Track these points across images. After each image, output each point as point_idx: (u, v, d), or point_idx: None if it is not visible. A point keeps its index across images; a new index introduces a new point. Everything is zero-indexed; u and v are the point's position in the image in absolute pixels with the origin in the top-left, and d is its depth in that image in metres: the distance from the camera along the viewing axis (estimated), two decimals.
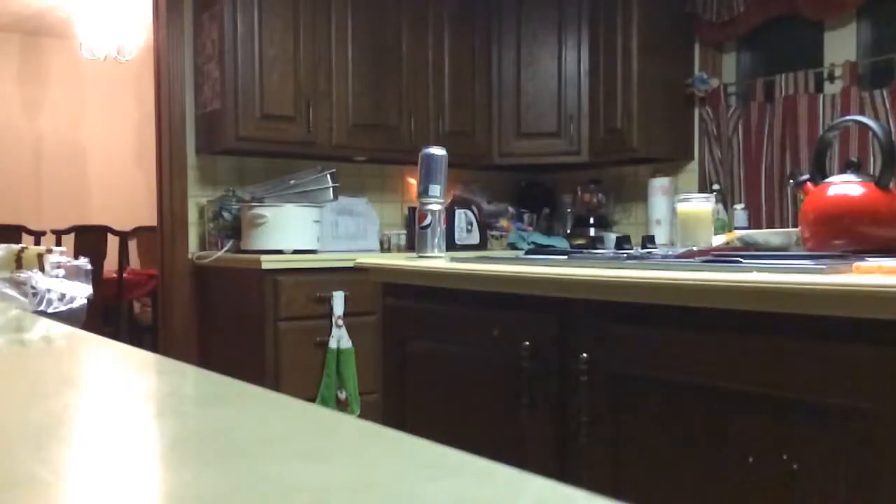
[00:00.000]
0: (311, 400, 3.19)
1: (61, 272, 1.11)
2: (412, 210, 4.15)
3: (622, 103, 3.86)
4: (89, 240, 4.92)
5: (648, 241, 2.00)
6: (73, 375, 0.64)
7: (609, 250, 2.11)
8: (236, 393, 0.52)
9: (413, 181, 4.19)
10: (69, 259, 1.14)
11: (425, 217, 2.00)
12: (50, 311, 1.05)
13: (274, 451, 0.38)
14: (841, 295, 1.11)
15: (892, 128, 3.18)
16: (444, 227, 2.04)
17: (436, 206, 2.00)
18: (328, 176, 3.63)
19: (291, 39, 3.57)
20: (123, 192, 6.65)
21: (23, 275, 1.08)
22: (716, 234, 2.12)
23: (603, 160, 4.09)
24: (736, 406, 1.26)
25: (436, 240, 2.00)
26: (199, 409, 0.47)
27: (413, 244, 4.11)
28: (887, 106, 3.22)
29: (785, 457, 1.19)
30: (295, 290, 3.24)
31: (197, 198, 3.68)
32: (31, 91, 6.55)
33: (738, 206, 3.67)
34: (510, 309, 1.64)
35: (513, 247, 4.20)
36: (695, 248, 1.82)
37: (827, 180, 1.67)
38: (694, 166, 4.00)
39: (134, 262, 5.85)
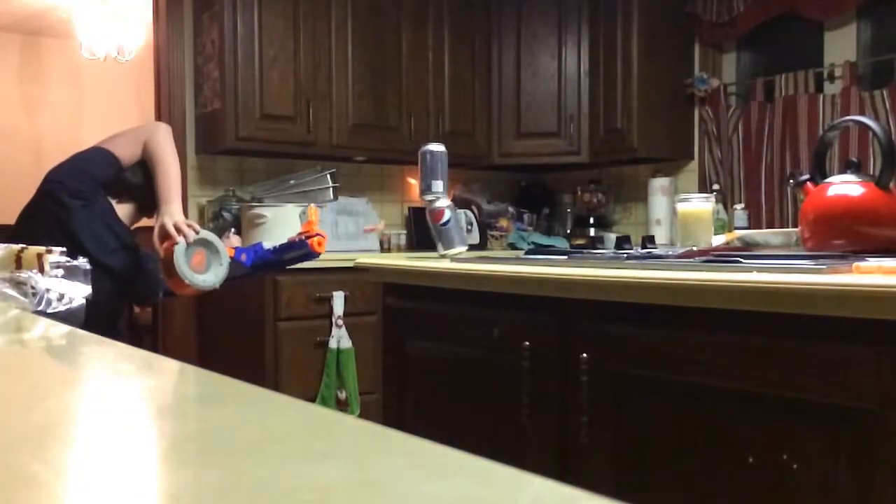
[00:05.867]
0: (311, 400, 3.19)
1: (60, 272, 1.11)
2: (412, 210, 4.15)
3: (622, 103, 3.86)
4: None
5: (648, 241, 2.00)
6: (72, 375, 0.64)
7: (609, 250, 2.11)
8: (236, 393, 0.52)
9: (413, 181, 4.19)
10: (68, 259, 1.14)
11: (443, 214, 1.97)
12: (49, 311, 1.05)
13: (274, 451, 0.38)
14: (841, 295, 1.11)
15: (892, 128, 3.18)
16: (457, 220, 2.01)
17: (446, 201, 1.99)
18: (328, 176, 3.63)
19: (291, 39, 3.57)
20: None
21: (23, 275, 1.08)
22: (716, 234, 2.12)
23: (603, 160, 4.09)
24: (736, 406, 1.26)
25: (461, 234, 1.99)
26: (199, 409, 0.47)
27: (413, 244, 4.12)
28: (887, 106, 3.22)
29: (785, 457, 1.19)
30: (295, 290, 3.24)
31: (197, 198, 3.68)
32: (31, 91, 6.54)
33: (738, 206, 3.67)
34: (510, 309, 1.64)
35: (513, 247, 4.20)
36: (695, 248, 1.82)
37: (827, 180, 1.67)
38: (694, 166, 4.00)
39: None
